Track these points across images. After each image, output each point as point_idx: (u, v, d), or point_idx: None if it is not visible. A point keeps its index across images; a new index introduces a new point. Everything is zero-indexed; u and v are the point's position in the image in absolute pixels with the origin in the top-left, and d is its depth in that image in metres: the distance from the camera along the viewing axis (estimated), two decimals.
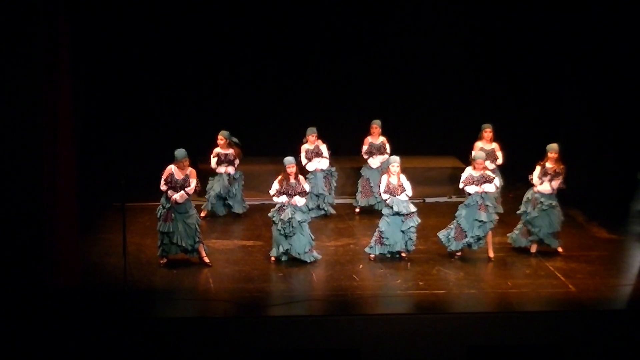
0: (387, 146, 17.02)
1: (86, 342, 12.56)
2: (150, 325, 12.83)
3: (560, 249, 15.35)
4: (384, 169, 16.12)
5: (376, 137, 17.05)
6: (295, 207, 14.77)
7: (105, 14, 17.57)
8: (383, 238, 14.96)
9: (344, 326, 12.99)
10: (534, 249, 15.36)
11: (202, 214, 16.71)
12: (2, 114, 12.96)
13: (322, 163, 16.85)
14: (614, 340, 13.13)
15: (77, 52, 14.35)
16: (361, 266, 14.87)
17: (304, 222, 14.84)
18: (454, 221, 15.07)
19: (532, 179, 15.17)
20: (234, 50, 18.58)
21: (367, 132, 17.14)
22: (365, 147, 17.10)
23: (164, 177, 14.55)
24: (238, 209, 16.88)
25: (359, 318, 13.15)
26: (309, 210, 15.63)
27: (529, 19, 18.56)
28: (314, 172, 16.78)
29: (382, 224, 14.97)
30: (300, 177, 14.99)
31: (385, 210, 15.07)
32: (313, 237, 14.99)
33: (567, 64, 17.90)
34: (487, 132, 16.68)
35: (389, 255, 15.05)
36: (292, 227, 14.70)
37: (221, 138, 16.57)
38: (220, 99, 18.68)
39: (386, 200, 14.99)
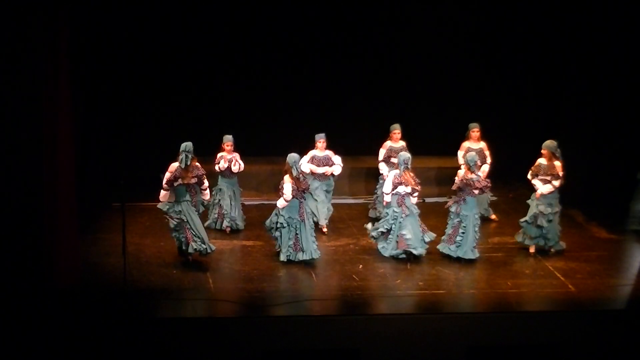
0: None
1: (86, 342, 12.56)
2: (150, 325, 12.82)
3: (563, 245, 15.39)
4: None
5: (396, 142, 16.52)
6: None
7: (105, 14, 17.56)
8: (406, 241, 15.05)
9: (344, 326, 12.99)
10: (532, 249, 15.36)
11: (228, 229, 16.22)
12: (2, 114, 12.96)
13: (335, 167, 16.18)
14: (614, 340, 13.13)
15: (77, 51, 14.36)
16: (361, 266, 14.87)
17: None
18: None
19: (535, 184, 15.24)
20: (235, 49, 18.57)
21: (368, 132, 17.06)
22: (383, 152, 16.54)
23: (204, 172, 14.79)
24: (240, 223, 16.31)
25: (359, 318, 13.15)
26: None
27: (529, 19, 18.55)
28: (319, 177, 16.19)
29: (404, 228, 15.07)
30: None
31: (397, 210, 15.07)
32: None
33: (566, 63, 17.90)
34: (475, 131, 16.64)
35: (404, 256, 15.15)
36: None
37: (228, 144, 16.11)
38: (220, 98, 18.66)
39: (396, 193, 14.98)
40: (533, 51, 18.71)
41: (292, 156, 14.89)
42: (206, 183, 14.82)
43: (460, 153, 16.60)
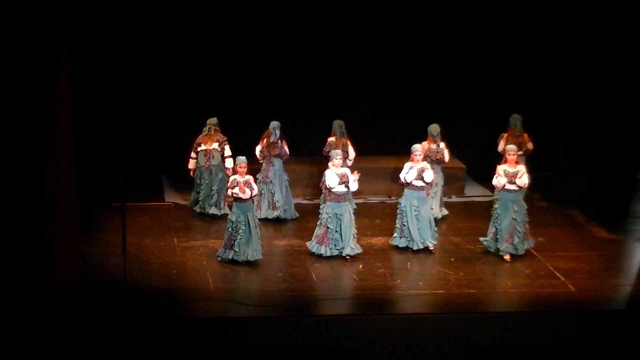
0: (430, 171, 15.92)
1: (86, 342, 12.56)
2: (150, 325, 12.82)
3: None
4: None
5: (417, 163, 15.65)
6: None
7: (106, 14, 17.55)
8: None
9: (344, 326, 12.99)
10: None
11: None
12: (2, 114, 12.96)
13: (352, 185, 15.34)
14: (614, 340, 13.13)
15: (77, 51, 14.36)
16: (361, 266, 14.88)
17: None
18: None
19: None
20: (234, 50, 18.56)
21: (368, 133, 17.04)
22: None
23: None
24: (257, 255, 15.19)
25: (359, 318, 13.15)
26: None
27: (528, 19, 18.55)
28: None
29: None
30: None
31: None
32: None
33: (566, 63, 17.88)
34: (511, 155, 15.30)
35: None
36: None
37: (241, 165, 14.95)
38: (220, 98, 18.64)
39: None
40: (533, 52, 18.70)
41: (274, 123, 16.36)
42: (228, 151, 16.39)
43: (495, 178, 15.36)
